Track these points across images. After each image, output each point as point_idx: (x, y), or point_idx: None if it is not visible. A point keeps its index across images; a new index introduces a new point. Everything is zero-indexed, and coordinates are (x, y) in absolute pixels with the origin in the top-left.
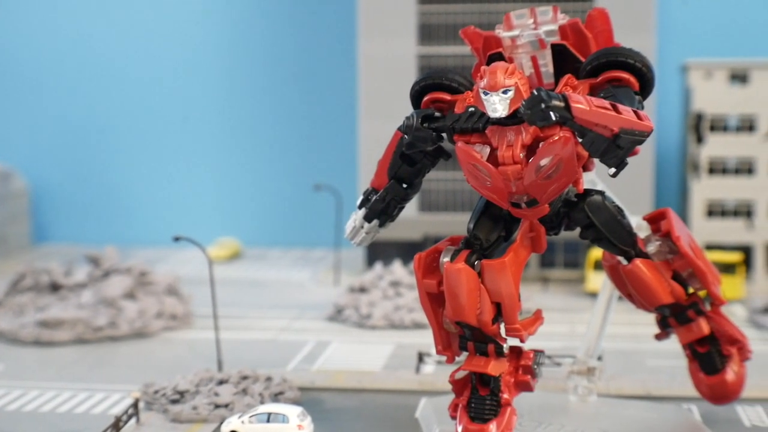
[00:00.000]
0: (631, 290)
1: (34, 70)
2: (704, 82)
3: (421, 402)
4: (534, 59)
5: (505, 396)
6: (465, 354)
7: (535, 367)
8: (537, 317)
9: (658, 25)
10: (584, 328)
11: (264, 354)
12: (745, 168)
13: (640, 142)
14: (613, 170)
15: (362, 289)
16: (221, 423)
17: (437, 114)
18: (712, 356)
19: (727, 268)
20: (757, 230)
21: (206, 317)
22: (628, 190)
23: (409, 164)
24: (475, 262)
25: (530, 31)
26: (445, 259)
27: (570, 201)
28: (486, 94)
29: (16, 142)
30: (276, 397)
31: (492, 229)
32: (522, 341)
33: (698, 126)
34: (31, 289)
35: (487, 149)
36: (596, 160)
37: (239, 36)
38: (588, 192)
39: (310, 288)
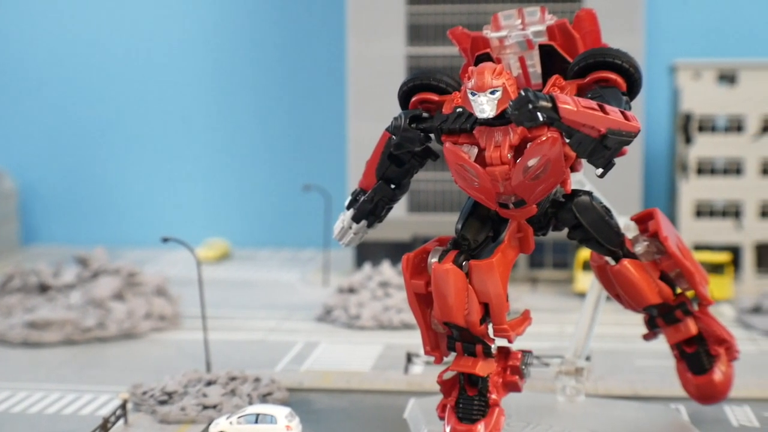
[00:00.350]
0: (619, 290)
1: (23, 72)
2: (693, 82)
3: (409, 402)
4: (522, 60)
5: (493, 396)
6: (453, 354)
7: (523, 367)
8: (525, 318)
9: (646, 25)
10: (573, 328)
11: (253, 355)
12: (734, 168)
13: (628, 143)
14: (600, 170)
15: (351, 290)
16: (209, 424)
17: (425, 115)
18: (699, 356)
19: (716, 269)
20: (745, 230)
21: (195, 318)
22: (617, 191)
23: (397, 165)
24: (463, 263)
25: (518, 31)
26: (433, 259)
27: (558, 201)
28: (474, 94)
29: (6, 144)
30: (264, 398)
31: (480, 230)
32: (510, 342)
33: (687, 126)
34: (20, 290)
35: (475, 150)
36: (584, 161)
37: (228, 37)
38: (576, 192)
39: (299, 288)
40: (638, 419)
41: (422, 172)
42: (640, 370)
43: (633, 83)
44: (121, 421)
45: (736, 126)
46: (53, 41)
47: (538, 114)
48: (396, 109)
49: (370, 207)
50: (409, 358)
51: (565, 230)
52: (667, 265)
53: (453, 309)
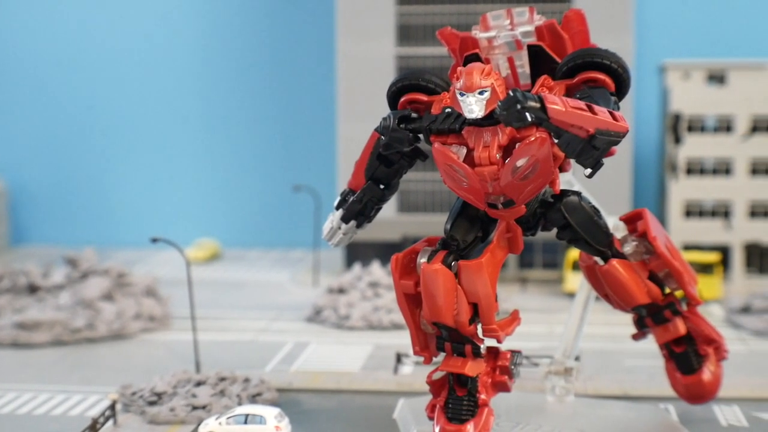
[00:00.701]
0: (608, 290)
1: (13, 73)
2: (682, 82)
3: (399, 403)
4: (510, 60)
5: (483, 396)
6: (442, 355)
7: (513, 367)
8: (514, 318)
9: (635, 25)
10: (562, 328)
11: (242, 355)
12: (723, 168)
13: (616, 143)
14: (588, 171)
15: (341, 290)
16: (199, 424)
17: (414, 115)
18: (688, 356)
19: (705, 268)
20: (734, 230)
21: (184, 318)
22: (607, 191)
23: (386, 165)
24: (452, 263)
25: (507, 32)
26: (422, 259)
27: (546, 202)
28: (462, 95)
29: None
30: (254, 399)
31: (469, 230)
32: (499, 342)
33: (676, 126)
34: (9, 290)
35: (464, 150)
36: (573, 161)
37: (217, 38)
38: (564, 193)
39: (289, 289)
40: (627, 419)
41: (412, 172)
42: (630, 369)
43: (621, 83)
44: (110, 422)
45: (725, 126)
46: (43, 42)
47: (527, 114)
48: (386, 110)
49: (359, 207)
50: (399, 358)
51: (554, 230)
52: (656, 265)
53: (442, 309)
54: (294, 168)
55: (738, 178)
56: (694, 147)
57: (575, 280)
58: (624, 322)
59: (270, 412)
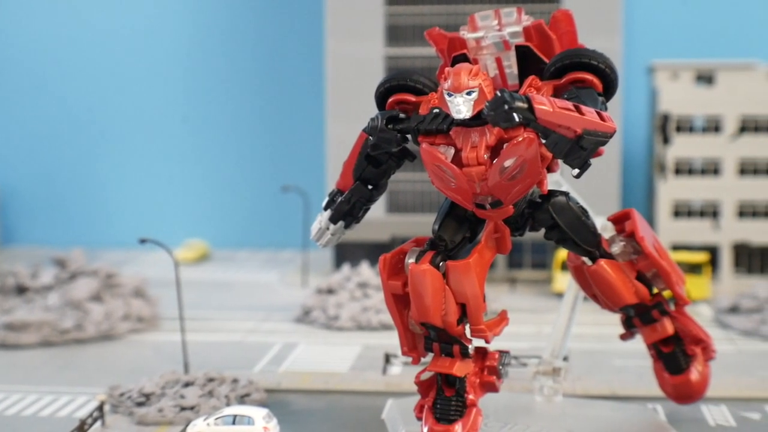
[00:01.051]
0: (596, 291)
1: (0, 73)
2: (670, 83)
3: (387, 403)
4: (498, 60)
5: (471, 397)
6: (431, 355)
7: (501, 367)
8: (502, 318)
9: (624, 26)
10: (551, 328)
11: (231, 356)
12: (711, 168)
13: (603, 143)
14: (576, 171)
15: (330, 291)
16: (187, 425)
17: (402, 115)
18: (676, 356)
19: (693, 269)
20: (723, 230)
21: (173, 319)
22: (596, 191)
23: (374, 165)
24: (440, 263)
25: (495, 32)
26: (410, 260)
27: (534, 202)
28: (450, 95)
29: None
30: (242, 399)
31: (457, 230)
32: (487, 342)
33: (664, 127)
34: None
35: (452, 150)
36: (560, 161)
37: (206, 38)
38: (552, 193)
39: (277, 289)
40: (616, 419)
41: (401, 172)
42: (618, 370)
43: (609, 84)
44: (98, 423)
45: (713, 126)
46: (32, 43)
47: (514, 115)
48: (375, 110)
49: (347, 208)
50: (387, 358)
51: (542, 231)
52: (643, 265)
53: (430, 309)
54: (283, 168)
55: (726, 178)
56: (682, 147)
57: (564, 281)
58: (612, 323)
59: (258, 413)
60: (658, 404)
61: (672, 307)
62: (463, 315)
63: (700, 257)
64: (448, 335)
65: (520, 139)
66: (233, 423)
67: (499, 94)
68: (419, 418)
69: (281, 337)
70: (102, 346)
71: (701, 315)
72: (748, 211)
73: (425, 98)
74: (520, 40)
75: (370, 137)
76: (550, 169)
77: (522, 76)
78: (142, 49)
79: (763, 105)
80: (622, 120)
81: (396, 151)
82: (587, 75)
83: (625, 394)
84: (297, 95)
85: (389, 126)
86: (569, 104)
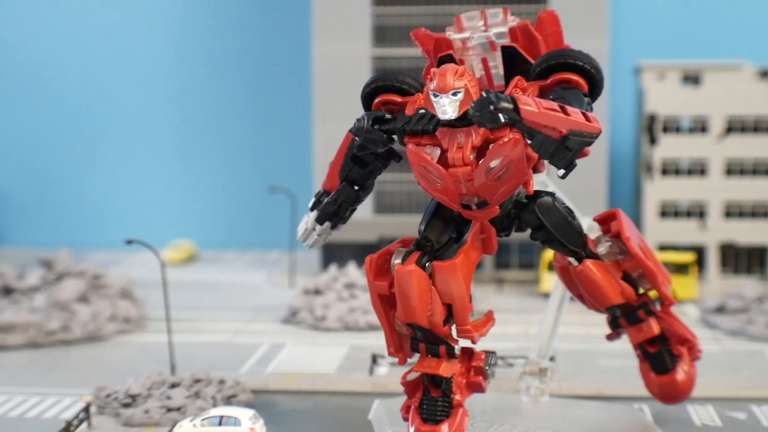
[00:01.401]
0: (582, 291)
1: None
2: (657, 83)
3: (374, 404)
4: (484, 61)
5: (457, 397)
6: (417, 355)
7: (487, 368)
8: (488, 318)
9: (611, 26)
10: (538, 329)
11: (218, 357)
12: (698, 169)
13: (589, 144)
14: (562, 172)
15: (317, 291)
16: (173, 426)
17: (388, 116)
18: (662, 356)
19: (680, 269)
20: (709, 231)
21: (160, 320)
22: (583, 192)
23: (360, 166)
24: (426, 264)
25: (480, 33)
26: (396, 260)
27: (520, 202)
28: (436, 96)
29: None
30: (229, 400)
31: (443, 231)
32: (473, 342)
33: (651, 127)
34: None
35: (438, 151)
36: (546, 162)
37: (193, 38)
38: (538, 193)
39: (265, 290)
40: (602, 419)
41: (388, 173)
42: (604, 370)
43: (594, 84)
44: (84, 424)
45: (700, 127)
46: (17, 44)
47: (500, 115)
48: (361, 111)
49: (333, 208)
50: (374, 359)
51: (529, 231)
52: (629, 265)
53: (416, 310)
54: (270, 169)
55: (713, 178)
56: (669, 147)
57: (551, 281)
58: (599, 323)
59: (245, 414)
60: (644, 404)
61: (658, 308)
62: (450, 315)
63: (687, 257)
64: (434, 336)
65: (506, 139)
66: (219, 424)
67: (484, 94)
68: (406, 419)
69: (268, 338)
70: (88, 347)
71: (688, 315)
72: (734, 212)
73: (411, 99)
74: (506, 41)
75: (357, 138)
76: (536, 170)
77: (508, 76)
78: (128, 50)
79: (749, 105)
80: (609, 120)
81: (382, 152)
82: (572, 75)
83: (611, 394)
84: (284, 96)
85: (375, 127)
86: (554, 105)
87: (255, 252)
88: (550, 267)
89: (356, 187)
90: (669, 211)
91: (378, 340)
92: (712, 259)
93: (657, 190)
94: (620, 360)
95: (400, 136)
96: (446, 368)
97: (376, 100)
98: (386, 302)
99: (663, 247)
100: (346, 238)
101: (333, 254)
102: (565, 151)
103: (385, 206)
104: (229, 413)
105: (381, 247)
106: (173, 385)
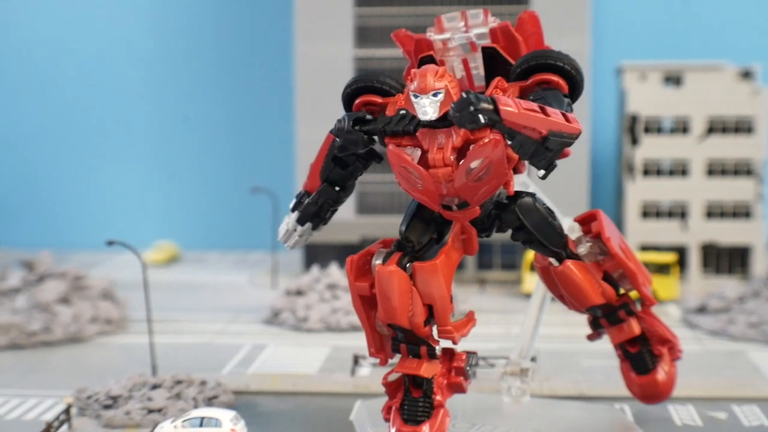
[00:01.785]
0: (563, 291)
1: None
2: (639, 84)
3: (355, 404)
4: (465, 62)
5: (438, 398)
6: (398, 356)
7: (468, 368)
8: (469, 319)
9: (592, 27)
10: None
11: (200, 358)
12: (680, 169)
13: (569, 144)
14: (542, 172)
15: (299, 292)
16: (154, 428)
17: (369, 117)
18: (643, 356)
19: (662, 269)
20: (691, 231)
21: (141, 321)
22: (564, 192)
23: (341, 167)
24: (407, 265)
25: (461, 34)
26: (377, 261)
27: (501, 203)
28: (416, 96)
29: None
30: (210, 401)
31: (424, 232)
32: (454, 343)
33: (633, 128)
34: None
35: (418, 152)
36: (527, 162)
37: (174, 38)
38: (519, 194)
39: (247, 291)
40: (583, 419)
41: (370, 174)
42: (585, 370)
43: (575, 85)
44: (65, 426)
45: (681, 127)
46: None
47: (480, 116)
48: (344, 112)
49: (314, 209)
50: (356, 360)
51: (510, 232)
52: (610, 265)
53: (397, 311)
54: (252, 170)
55: (694, 179)
56: (650, 148)
57: (534, 281)
58: (580, 323)
59: (225, 415)
60: (625, 404)
61: (639, 308)
62: (430, 316)
63: (669, 258)
64: (415, 336)
65: (487, 140)
66: (200, 425)
67: (464, 95)
68: (387, 420)
69: (250, 339)
70: (70, 348)
71: (669, 315)
72: (716, 212)
73: (392, 99)
74: (487, 42)
75: (337, 138)
76: (516, 171)
77: (488, 77)
78: (107, 53)
79: (730, 106)
80: (590, 121)
81: (363, 153)
82: (553, 76)
83: (592, 394)
84: (266, 96)
85: (356, 127)
86: (534, 105)
87: (237, 253)
88: (533, 268)
89: (337, 188)
90: (651, 212)
91: (360, 341)
92: (694, 259)
93: (638, 191)
94: (601, 360)
95: (381, 136)
96: (427, 369)
97: (357, 101)
98: (367, 303)
99: (645, 248)
100: (328, 239)
101: (315, 255)
102: (546, 151)
103: (367, 207)
104: (210, 414)
105: (363, 247)
106: (154, 387)
